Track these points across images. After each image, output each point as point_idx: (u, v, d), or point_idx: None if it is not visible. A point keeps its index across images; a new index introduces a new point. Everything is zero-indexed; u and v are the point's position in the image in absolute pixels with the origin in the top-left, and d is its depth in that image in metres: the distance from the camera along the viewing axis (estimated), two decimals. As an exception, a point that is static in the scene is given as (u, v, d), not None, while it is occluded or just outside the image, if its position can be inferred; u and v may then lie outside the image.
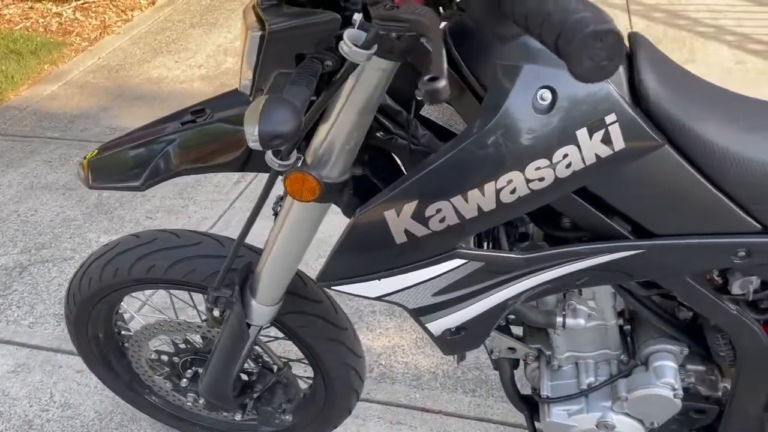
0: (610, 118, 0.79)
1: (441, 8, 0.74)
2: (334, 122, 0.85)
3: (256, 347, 1.35)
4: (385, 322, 2.09)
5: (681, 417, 1.16)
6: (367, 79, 0.80)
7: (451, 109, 0.96)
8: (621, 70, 0.81)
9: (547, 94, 0.78)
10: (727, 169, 0.84)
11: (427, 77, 0.56)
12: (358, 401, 1.52)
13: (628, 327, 1.16)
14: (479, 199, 0.81)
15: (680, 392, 1.06)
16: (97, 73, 3.64)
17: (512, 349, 1.22)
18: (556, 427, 1.17)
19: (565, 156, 0.80)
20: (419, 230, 0.83)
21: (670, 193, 0.86)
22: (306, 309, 1.29)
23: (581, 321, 1.08)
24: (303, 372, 1.52)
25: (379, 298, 0.91)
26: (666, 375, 1.07)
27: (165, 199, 2.62)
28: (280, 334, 1.37)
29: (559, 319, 1.08)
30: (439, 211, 0.82)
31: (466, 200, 0.81)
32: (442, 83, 0.56)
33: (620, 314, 1.13)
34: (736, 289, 0.98)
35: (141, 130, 1.10)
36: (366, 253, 0.87)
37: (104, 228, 2.49)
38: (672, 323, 1.08)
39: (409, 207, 0.82)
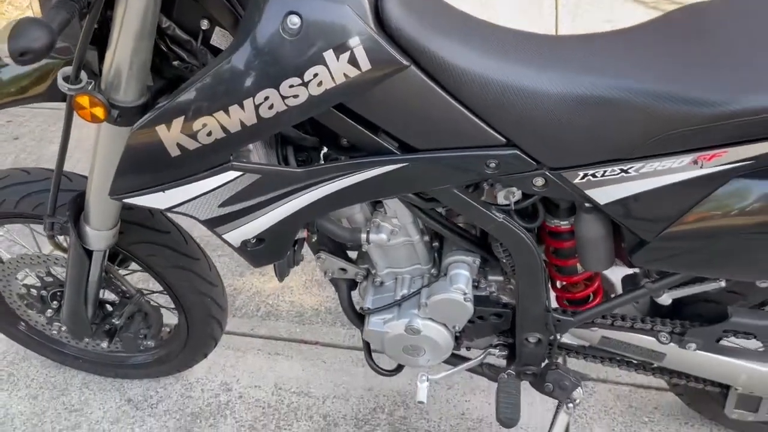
0: (354, 42, 0.89)
1: None
2: (115, 48, 0.94)
3: (112, 277, 1.45)
4: (277, 266, 2.20)
5: (483, 321, 1.30)
6: (133, 4, 0.89)
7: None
8: (365, -3, 0.90)
9: (296, 19, 0.88)
10: (470, 89, 0.95)
11: None
12: (222, 331, 1.64)
13: (436, 244, 1.29)
14: (241, 115, 0.91)
15: (470, 296, 1.19)
16: None
17: (343, 269, 1.34)
18: (373, 334, 1.30)
19: (316, 75, 0.90)
20: (190, 144, 0.94)
21: (422, 111, 0.97)
22: (154, 239, 1.39)
23: (383, 236, 1.20)
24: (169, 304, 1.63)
25: (169, 210, 1.01)
26: (459, 282, 1.20)
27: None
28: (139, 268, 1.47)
29: (364, 236, 1.20)
30: (205, 125, 0.92)
31: (229, 115, 0.91)
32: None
33: (427, 232, 1.26)
34: (501, 198, 1.10)
35: None
36: (146, 167, 0.96)
37: None
38: (463, 236, 1.21)
39: (178, 122, 0.92)
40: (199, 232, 1.99)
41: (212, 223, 1.05)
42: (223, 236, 1.07)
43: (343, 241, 1.23)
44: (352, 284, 1.40)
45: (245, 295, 2.09)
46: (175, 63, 1.03)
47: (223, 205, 1.02)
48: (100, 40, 0.98)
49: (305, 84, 0.91)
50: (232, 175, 0.98)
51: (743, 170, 0.94)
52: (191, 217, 1.03)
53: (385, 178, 1.03)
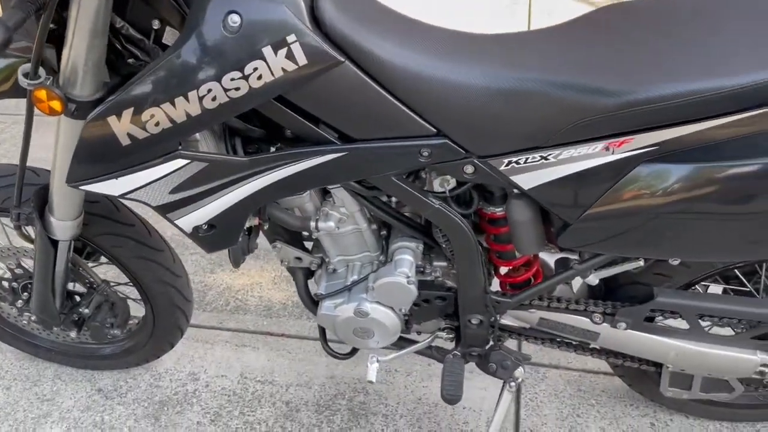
0: (291, 38, 0.97)
1: None
2: (70, 46, 1.02)
3: (79, 269, 1.52)
4: (248, 264, 2.27)
5: (429, 305, 1.38)
6: (86, 4, 0.97)
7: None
8: (301, -2, 0.98)
9: (236, 17, 0.96)
10: (401, 83, 1.03)
11: None
12: (188, 321, 1.71)
13: (384, 232, 1.37)
14: (186, 106, 0.99)
15: (413, 279, 1.27)
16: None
17: (299, 258, 1.42)
18: (325, 318, 1.37)
19: (255, 69, 0.98)
20: (140, 133, 1.01)
21: (359, 104, 1.05)
22: (118, 231, 1.46)
23: (332, 224, 1.27)
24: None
25: (122, 196, 1.09)
26: (402, 266, 1.28)
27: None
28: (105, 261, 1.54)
29: (313, 224, 1.28)
30: (153, 116, 1.00)
31: (175, 107, 0.99)
32: None
33: (374, 220, 1.34)
34: (436, 186, 1.19)
35: None
36: (100, 156, 1.04)
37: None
38: (407, 223, 1.29)
39: (128, 114, 1.00)
40: (173, 232, 2.07)
41: (164, 209, 1.12)
42: (175, 222, 1.14)
43: (294, 229, 1.30)
44: (309, 273, 1.47)
45: (215, 290, 2.16)
46: (130, 61, 1.10)
47: (173, 191, 1.09)
48: (58, 38, 1.06)
49: (246, 77, 0.98)
50: (180, 162, 1.06)
51: (650, 156, 1.02)
52: (144, 203, 1.10)
53: (326, 166, 1.11)
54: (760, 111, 0.95)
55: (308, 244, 1.46)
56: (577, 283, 1.37)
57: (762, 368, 1.33)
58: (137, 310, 1.70)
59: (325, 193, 1.29)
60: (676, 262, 1.23)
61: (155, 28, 1.07)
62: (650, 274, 1.31)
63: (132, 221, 1.48)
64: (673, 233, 1.08)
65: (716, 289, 1.42)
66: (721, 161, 0.98)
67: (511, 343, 1.81)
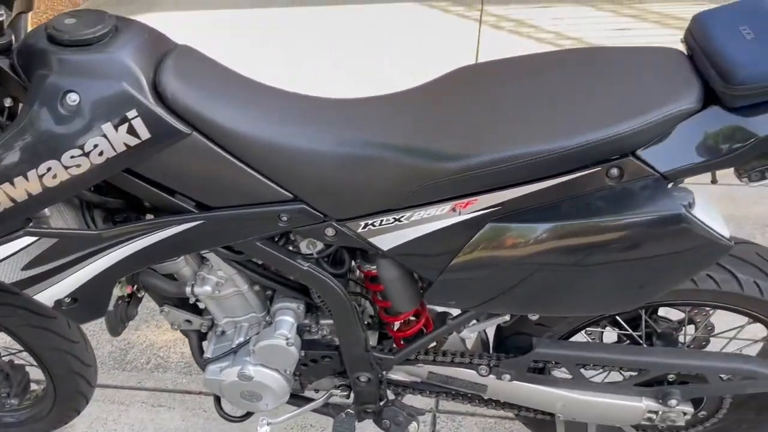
0: (131, 114, 0.98)
1: None
2: None
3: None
4: (173, 318, 2.24)
5: (317, 364, 1.37)
6: None
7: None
8: (140, 74, 0.99)
9: (74, 96, 0.96)
10: (251, 151, 1.04)
11: None
12: (92, 386, 1.68)
13: (270, 292, 1.36)
14: (26, 185, 0.99)
15: (293, 341, 1.26)
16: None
17: (189, 321, 1.41)
18: (211, 382, 1.36)
19: (96, 146, 0.98)
20: (-18, 214, 1.01)
21: (211, 173, 1.06)
22: (7, 301, 1.44)
23: (208, 289, 1.26)
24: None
25: (-26, 275, 1.08)
26: (282, 328, 1.27)
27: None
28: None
29: (189, 289, 1.27)
30: (-7, 197, 1.00)
31: (14, 186, 0.99)
32: None
33: (256, 281, 1.33)
34: (304, 248, 1.19)
35: None
36: None
37: None
38: (286, 284, 1.29)
39: (-32, 195, 1.00)
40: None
41: (20, 286, 1.11)
42: (34, 297, 1.13)
43: (169, 296, 1.29)
44: (203, 334, 1.46)
45: (138, 348, 2.13)
46: None
47: (26, 268, 1.08)
48: None
49: (86, 154, 0.99)
50: (27, 240, 1.05)
51: (496, 215, 1.04)
52: (-1, 281, 1.09)
53: (184, 235, 1.11)
54: (589, 171, 0.97)
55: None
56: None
57: (650, 415, 1.33)
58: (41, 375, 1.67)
59: (202, 257, 1.28)
60: (534, 317, 1.23)
61: (8, 105, 1.07)
62: (532, 324, 1.31)
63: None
64: (523, 289, 1.09)
65: (612, 335, 1.43)
66: (558, 221, 0.99)
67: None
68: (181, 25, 4.40)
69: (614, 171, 0.96)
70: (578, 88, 1.02)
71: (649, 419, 1.33)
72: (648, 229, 0.94)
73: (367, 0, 4.55)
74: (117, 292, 1.26)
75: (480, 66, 1.18)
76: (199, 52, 1.11)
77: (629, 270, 1.01)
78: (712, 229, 0.94)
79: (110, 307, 1.25)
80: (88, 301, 1.16)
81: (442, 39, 4.01)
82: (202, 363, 1.44)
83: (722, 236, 0.95)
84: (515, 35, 3.99)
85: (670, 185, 0.98)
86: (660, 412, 1.32)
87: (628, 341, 1.37)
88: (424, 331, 1.36)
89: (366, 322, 1.36)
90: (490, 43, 3.92)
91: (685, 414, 1.32)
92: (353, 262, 1.27)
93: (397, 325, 1.35)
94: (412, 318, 1.35)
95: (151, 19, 4.35)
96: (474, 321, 1.26)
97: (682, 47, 1.04)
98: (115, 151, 0.99)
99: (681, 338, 1.36)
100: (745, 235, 2.29)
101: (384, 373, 1.34)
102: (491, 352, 1.40)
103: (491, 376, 1.33)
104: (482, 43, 3.93)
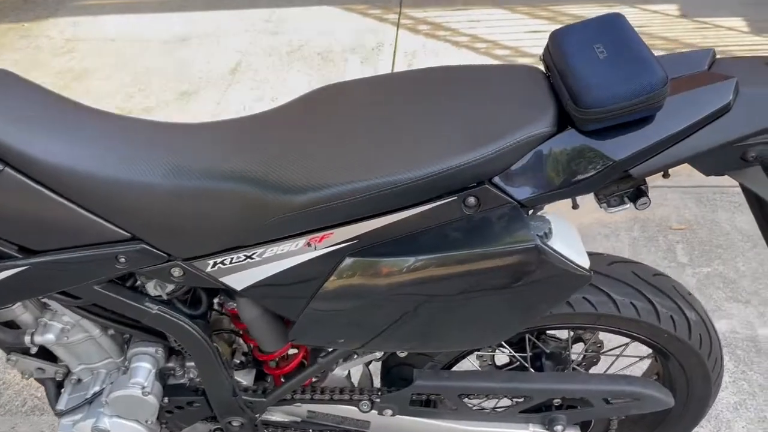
0: None
1: None
2: None
3: None
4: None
5: (182, 410, 1.25)
6: None
7: None
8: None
9: None
10: (73, 185, 0.92)
11: None
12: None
13: (127, 336, 1.24)
14: None
15: (149, 389, 1.14)
16: None
17: (41, 369, 1.26)
18: (64, 438, 1.22)
19: None
20: None
21: (30, 213, 0.93)
22: None
23: (51, 336, 1.13)
24: None
25: None
26: (137, 375, 1.15)
27: None
28: None
29: (28, 338, 1.13)
30: None
31: None
32: None
33: (108, 326, 1.19)
34: (151, 290, 1.07)
35: None
36: None
37: None
38: (139, 327, 1.17)
39: None
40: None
41: None
42: None
43: (6, 346, 1.15)
44: (60, 382, 1.31)
45: (13, 389, 1.95)
46: None
47: None
48: None
49: None
50: None
51: (353, 249, 0.95)
52: None
53: (9, 283, 0.98)
54: (445, 201, 0.90)
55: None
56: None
57: (535, 441, 1.28)
58: None
59: (43, 303, 1.15)
60: (403, 354, 1.16)
61: None
62: (414, 355, 1.24)
63: None
64: (388, 325, 1.01)
65: (504, 357, 1.37)
66: (415, 254, 0.92)
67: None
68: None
69: (471, 200, 0.90)
70: (434, 113, 0.95)
71: (531, 446, 1.29)
72: (503, 260, 0.88)
73: (285, 3, 4.41)
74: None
75: (341, 86, 1.09)
76: (16, 76, 0.98)
77: (492, 302, 0.95)
78: (568, 259, 0.89)
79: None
80: None
81: (359, 43, 3.92)
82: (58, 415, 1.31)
83: (580, 267, 0.90)
84: (432, 39, 3.95)
85: (530, 212, 0.92)
86: (548, 438, 1.27)
87: (518, 362, 1.32)
88: (306, 364, 1.27)
89: (240, 361, 1.25)
90: (407, 47, 3.86)
91: (572, 438, 1.29)
92: (217, 299, 1.17)
93: (273, 363, 1.26)
94: (293, 351, 1.26)
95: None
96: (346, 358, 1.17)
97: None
98: None
99: (572, 356, 1.33)
100: (649, 237, 2.31)
101: (257, 416, 1.24)
102: (379, 385, 1.32)
103: (373, 411, 1.25)
104: (399, 48, 3.87)
